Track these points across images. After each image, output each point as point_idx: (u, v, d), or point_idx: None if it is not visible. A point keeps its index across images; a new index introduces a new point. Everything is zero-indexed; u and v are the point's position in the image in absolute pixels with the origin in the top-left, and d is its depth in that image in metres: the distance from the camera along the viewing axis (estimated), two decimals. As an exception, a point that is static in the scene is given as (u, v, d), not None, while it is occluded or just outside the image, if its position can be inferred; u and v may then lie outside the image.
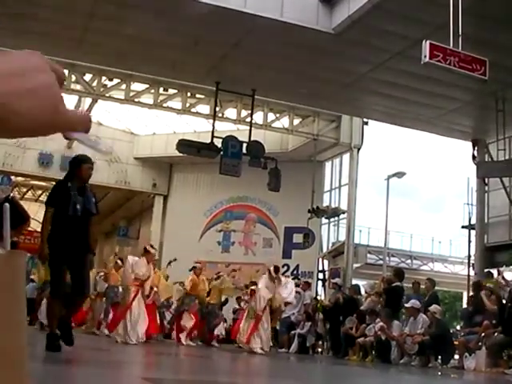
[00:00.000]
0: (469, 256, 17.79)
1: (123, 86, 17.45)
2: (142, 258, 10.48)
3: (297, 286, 14.66)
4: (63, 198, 6.06)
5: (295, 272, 19.91)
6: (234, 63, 14.00)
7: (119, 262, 13.93)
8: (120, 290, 14.09)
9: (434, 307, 10.76)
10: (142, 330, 10.31)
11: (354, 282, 18.11)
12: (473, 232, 17.25)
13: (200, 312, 13.50)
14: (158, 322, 13.69)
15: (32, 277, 16.54)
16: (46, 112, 0.56)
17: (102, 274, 14.53)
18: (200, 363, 6.73)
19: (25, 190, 30.12)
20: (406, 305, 11.19)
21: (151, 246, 11.01)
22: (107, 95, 17.77)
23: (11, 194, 7.04)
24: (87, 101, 20.56)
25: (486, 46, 10.83)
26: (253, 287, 12.61)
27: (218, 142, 15.85)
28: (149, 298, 11.36)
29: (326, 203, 20.62)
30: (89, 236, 6.24)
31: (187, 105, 18.04)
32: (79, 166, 6.23)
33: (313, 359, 11.60)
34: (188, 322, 13.11)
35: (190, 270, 13.52)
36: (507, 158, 14.81)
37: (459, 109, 15.18)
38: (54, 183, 28.21)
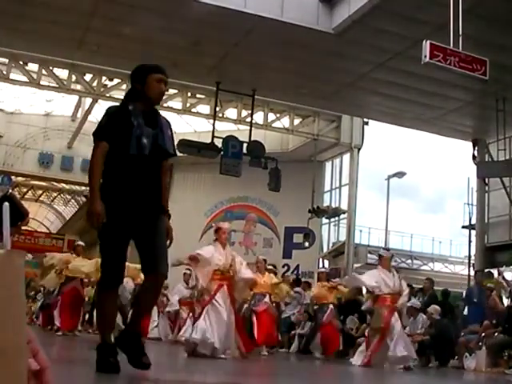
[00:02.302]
0: (469, 256, 17.79)
1: (123, 86, 17.44)
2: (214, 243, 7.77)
3: (297, 285, 14.68)
4: (122, 128, 3.89)
5: (295, 272, 19.91)
6: (235, 63, 14.00)
7: None
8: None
9: (431, 308, 10.74)
10: (232, 339, 7.57)
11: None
12: (473, 232, 17.25)
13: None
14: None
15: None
16: None
17: None
18: (205, 364, 6.73)
19: (25, 190, 30.11)
20: (407, 304, 11.18)
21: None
22: (107, 95, 17.77)
23: (9, 191, 6.51)
24: (87, 101, 20.59)
25: (486, 46, 10.83)
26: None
27: (219, 142, 15.86)
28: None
29: (326, 203, 20.62)
30: (162, 188, 4.11)
31: (187, 105, 18.05)
32: (144, 79, 4.02)
33: (313, 359, 11.59)
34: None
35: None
36: (507, 157, 14.80)
37: (459, 109, 15.18)
38: (54, 183, 27.85)
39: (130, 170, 3.93)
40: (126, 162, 3.92)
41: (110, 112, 4.09)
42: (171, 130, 4.17)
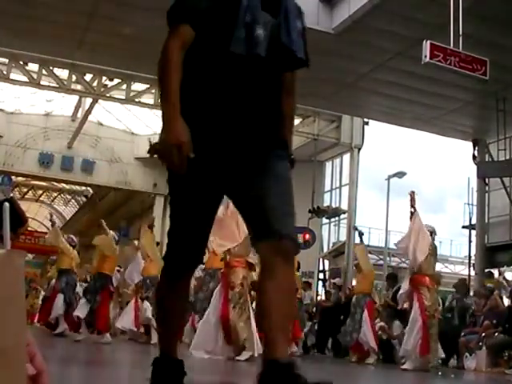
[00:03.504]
0: (469, 256, 17.79)
1: (124, 86, 17.45)
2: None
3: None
4: (221, 7, 2.25)
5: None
6: (235, 63, 14.00)
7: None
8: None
9: None
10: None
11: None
12: (473, 232, 17.24)
13: None
14: None
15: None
16: None
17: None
18: (208, 364, 6.72)
19: (25, 190, 30.13)
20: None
21: None
22: (107, 95, 17.77)
23: (11, 195, 6.51)
24: (87, 101, 20.59)
25: (486, 46, 10.83)
26: None
27: (219, 142, 15.84)
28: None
29: (326, 203, 20.64)
30: (284, 117, 2.38)
31: (187, 105, 18.04)
32: None
33: (313, 359, 11.60)
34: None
35: None
36: (507, 157, 14.81)
37: (460, 109, 15.18)
38: (54, 183, 27.83)
39: (231, 82, 2.25)
40: (224, 68, 2.25)
41: None
42: (303, 24, 2.39)
